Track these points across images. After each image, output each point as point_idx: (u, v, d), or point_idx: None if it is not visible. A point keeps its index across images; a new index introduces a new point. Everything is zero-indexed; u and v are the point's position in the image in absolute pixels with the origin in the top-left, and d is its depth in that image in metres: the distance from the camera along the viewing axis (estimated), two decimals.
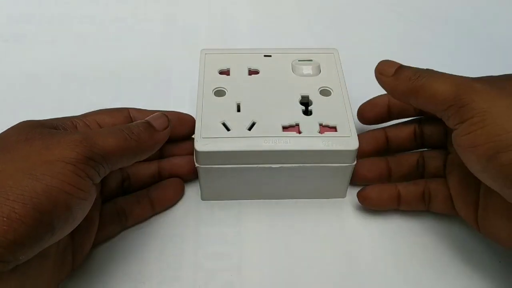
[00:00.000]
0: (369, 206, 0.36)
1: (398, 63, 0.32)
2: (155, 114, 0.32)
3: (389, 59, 0.33)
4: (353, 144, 0.33)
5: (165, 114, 0.32)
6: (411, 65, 0.32)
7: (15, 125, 0.29)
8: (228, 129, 0.34)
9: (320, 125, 0.34)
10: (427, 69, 0.31)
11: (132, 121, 0.34)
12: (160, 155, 0.37)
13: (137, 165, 0.36)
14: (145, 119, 0.32)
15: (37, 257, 0.26)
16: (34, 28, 0.51)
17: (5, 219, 0.23)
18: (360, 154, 0.35)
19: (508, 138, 0.26)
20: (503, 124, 0.26)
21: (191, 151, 0.36)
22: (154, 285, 0.33)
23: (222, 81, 0.37)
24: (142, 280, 0.33)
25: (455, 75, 0.30)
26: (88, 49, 0.49)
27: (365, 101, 0.38)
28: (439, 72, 0.30)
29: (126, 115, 0.34)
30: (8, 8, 0.53)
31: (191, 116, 0.36)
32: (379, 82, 0.33)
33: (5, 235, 0.23)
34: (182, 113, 0.37)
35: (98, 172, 0.27)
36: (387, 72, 0.32)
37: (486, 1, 0.56)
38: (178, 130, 0.36)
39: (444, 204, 0.34)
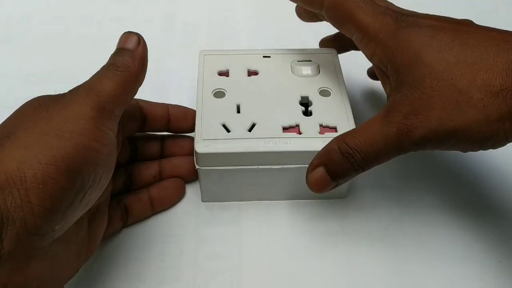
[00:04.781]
0: None
1: None
2: (121, 36, 0.31)
3: None
4: None
5: (128, 32, 0.31)
6: None
7: (21, 105, 0.28)
8: (228, 131, 0.34)
9: (320, 125, 0.34)
10: None
11: (142, 111, 0.35)
12: (162, 154, 0.38)
13: (138, 165, 0.36)
14: (116, 48, 0.31)
15: (62, 242, 0.26)
16: (34, 28, 0.51)
17: (40, 186, 0.22)
18: None
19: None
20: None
21: (192, 151, 0.36)
22: (154, 285, 0.33)
23: (222, 83, 0.37)
24: (142, 279, 0.33)
25: None
26: (88, 49, 0.49)
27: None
28: None
29: (135, 104, 0.35)
30: (8, 8, 0.53)
31: (194, 110, 0.36)
32: None
33: (42, 203, 0.22)
34: (186, 107, 0.37)
35: (115, 120, 0.28)
36: None
37: (486, 1, 0.55)
38: (182, 123, 0.37)
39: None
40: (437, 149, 0.28)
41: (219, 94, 0.36)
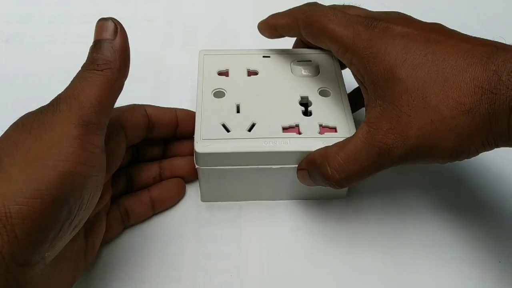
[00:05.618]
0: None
1: None
2: (96, 25, 0.29)
3: None
4: None
5: (102, 19, 0.29)
6: None
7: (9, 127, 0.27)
8: (228, 130, 0.33)
9: (320, 125, 0.34)
10: None
11: (151, 119, 0.34)
12: (164, 155, 0.37)
13: (138, 166, 0.36)
14: (94, 40, 0.28)
15: (56, 260, 0.25)
16: (34, 28, 0.51)
17: (25, 221, 0.22)
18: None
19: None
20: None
21: (192, 151, 0.36)
22: (154, 285, 0.33)
23: (221, 82, 0.37)
24: (142, 280, 0.33)
25: None
26: (88, 49, 0.49)
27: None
28: None
29: (143, 112, 0.34)
30: (8, 8, 0.53)
31: None
32: None
33: (29, 237, 0.22)
34: (191, 110, 0.37)
35: (101, 134, 0.26)
36: None
37: (486, 2, 0.55)
38: (190, 128, 0.36)
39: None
40: (416, 164, 0.29)
41: (219, 94, 0.36)
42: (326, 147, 0.32)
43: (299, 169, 0.33)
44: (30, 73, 0.46)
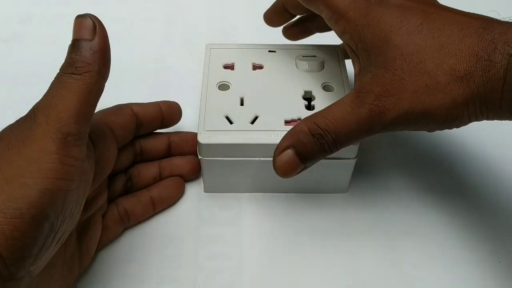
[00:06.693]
0: None
1: None
2: (74, 23, 0.27)
3: None
4: None
5: (80, 16, 0.27)
6: None
7: None
8: (231, 122, 0.34)
9: None
10: None
11: (137, 117, 0.34)
12: (166, 154, 0.37)
13: (138, 167, 0.36)
14: (72, 39, 0.27)
15: (46, 269, 0.25)
16: (34, 28, 0.51)
17: (8, 240, 0.22)
18: None
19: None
20: None
21: (192, 150, 0.36)
22: (154, 285, 0.32)
23: (227, 76, 0.37)
24: (142, 280, 0.33)
25: None
26: None
27: None
28: None
29: (130, 112, 0.34)
30: (8, 8, 0.53)
31: (176, 102, 0.37)
32: None
33: (12, 255, 0.22)
34: (173, 101, 0.37)
35: (82, 144, 0.26)
36: None
37: (488, 2, 0.55)
38: (174, 118, 0.37)
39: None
40: (405, 130, 0.28)
41: (223, 86, 0.36)
42: (308, 116, 0.30)
43: (279, 154, 0.30)
44: (30, 73, 0.46)
